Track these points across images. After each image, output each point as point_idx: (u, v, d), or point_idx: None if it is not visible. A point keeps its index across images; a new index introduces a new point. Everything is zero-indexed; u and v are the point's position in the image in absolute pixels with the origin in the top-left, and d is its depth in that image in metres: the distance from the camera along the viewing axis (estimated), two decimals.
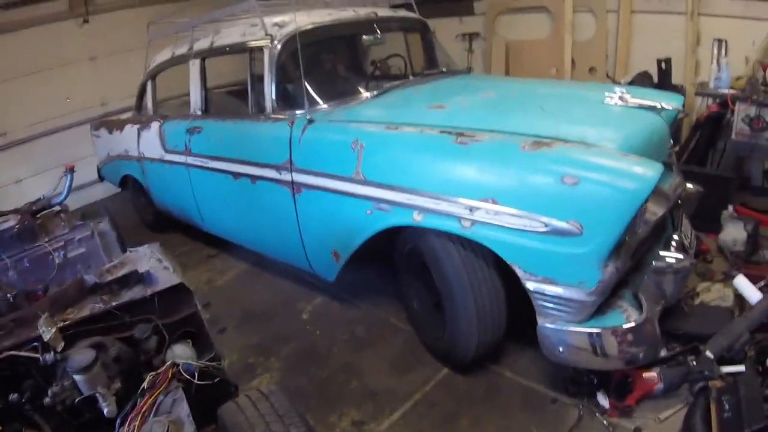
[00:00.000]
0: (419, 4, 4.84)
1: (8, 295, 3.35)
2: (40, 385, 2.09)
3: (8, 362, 2.07)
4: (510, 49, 6.89)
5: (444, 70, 4.57)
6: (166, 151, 4.85)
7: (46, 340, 2.01)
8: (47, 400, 2.01)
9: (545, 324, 2.58)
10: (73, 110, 7.45)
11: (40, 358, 2.01)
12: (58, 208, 4.24)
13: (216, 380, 2.17)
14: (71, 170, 4.24)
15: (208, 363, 2.13)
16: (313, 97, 3.63)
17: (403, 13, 4.72)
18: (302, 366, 3.45)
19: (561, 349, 2.58)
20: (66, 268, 3.58)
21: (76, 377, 1.93)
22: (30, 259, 3.56)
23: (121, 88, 7.33)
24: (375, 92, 3.86)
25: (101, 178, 6.68)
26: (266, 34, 3.77)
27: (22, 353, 2.04)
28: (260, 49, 3.80)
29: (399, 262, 3.40)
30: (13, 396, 2.04)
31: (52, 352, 2.00)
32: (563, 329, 2.54)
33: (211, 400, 2.15)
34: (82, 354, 1.94)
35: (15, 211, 4.20)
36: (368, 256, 3.39)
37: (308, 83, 3.64)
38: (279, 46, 3.71)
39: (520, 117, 3.05)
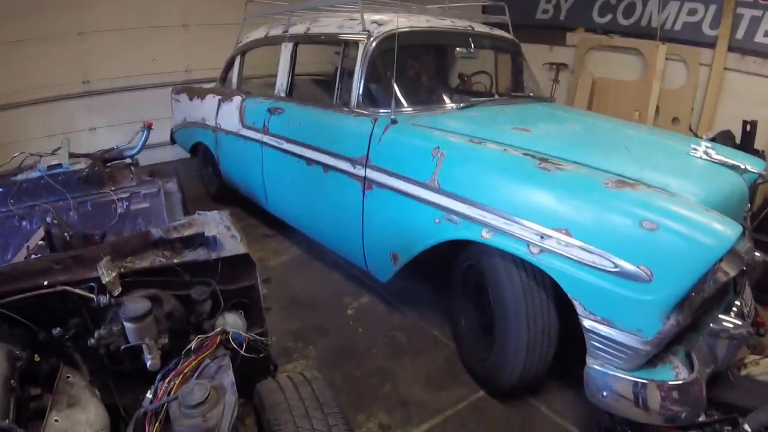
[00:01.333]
0: (514, 27, 4.81)
1: (66, 234, 3.43)
2: (86, 325, 2.12)
3: (60, 297, 2.10)
4: (596, 86, 6.79)
5: (530, 95, 4.52)
6: (244, 126, 4.92)
7: (104, 282, 2.03)
8: (92, 341, 2.02)
9: (593, 365, 2.50)
10: (158, 72, 7.68)
11: (95, 299, 2.02)
12: (128, 161, 4.34)
13: (261, 356, 2.15)
14: (149, 127, 4.33)
15: (258, 337, 2.12)
16: (399, 98, 3.63)
17: (498, 32, 4.68)
18: (338, 360, 3.43)
19: (604, 393, 2.49)
20: (126, 219, 3.65)
21: (127, 324, 1.94)
22: (93, 204, 3.65)
23: (206, 58, 7.54)
24: (460, 105, 3.85)
25: (173, 142, 6.83)
26: (363, 30, 3.79)
27: (77, 290, 2.06)
28: (355, 43, 3.83)
29: (455, 277, 3.36)
30: (57, 330, 2.06)
31: (107, 295, 2.02)
32: (610, 374, 2.45)
33: (250, 374, 2.14)
34: (137, 303, 1.95)
35: (87, 156, 4.31)
36: (423, 264, 3.36)
37: (397, 84, 3.65)
38: (374, 44, 3.73)
39: (605, 154, 2.97)
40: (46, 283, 2.09)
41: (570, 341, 2.68)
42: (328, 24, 4.32)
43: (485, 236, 2.79)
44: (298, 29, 4.57)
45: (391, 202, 3.33)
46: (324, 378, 2.12)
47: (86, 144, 5.46)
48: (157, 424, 1.77)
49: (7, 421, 1.64)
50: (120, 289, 2.03)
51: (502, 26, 4.78)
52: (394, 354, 3.52)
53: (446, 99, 3.90)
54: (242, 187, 5.40)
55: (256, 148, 4.70)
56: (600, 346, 2.46)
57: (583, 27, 6.98)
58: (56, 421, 1.84)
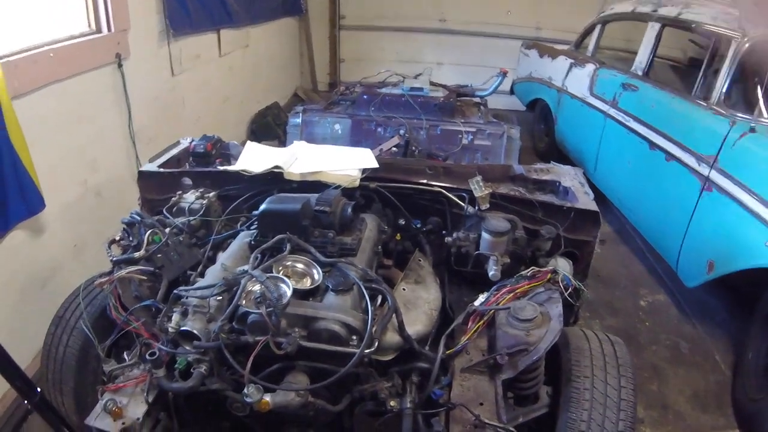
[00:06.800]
0: None
1: (414, 148, 3.91)
2: (444, 225, 2.53)
3: (431, 196, 2.50)
4: None
5: None
6: (592, 94, 5.02)
7: (476, 195, 2.37)
8: (449, 239, 2.39)
9: None
10: (510, 23, 8.09)
11: (465, 207, 2.37)
12: (478, 100, 4.73)
13: (576, 304, 2.34)
14: (504, 74, 4.66)
15: (582, 287, 2.31)
16: (762, 107, 3.47)
17: None
18: None
19: None
20: (467, 151, 4.03)
21: (486, 236, 2.25)
22: (443, 130, 4.08)
23: (557, 20, 7.78)
24: None
25: (511, 92, 7.10)
26: (739, 27, 3.65)
27: (452, 195, 2.43)
28: (728, 39, 3.69)
29: (760, 307, 3.19)
30: (418, 221, 2.52)
31: (475, 207, 2.35)
32: None
33: None
34: (499, 221, 2.26)
35: (444, 87, 4.76)
36: (731, 284, 3.27)
37: (764, 92, 3.49)
38: (748, 44, 3.57)
39: None
40: (424, 181, 2.48)
41: None
42: (701, 12, 4.15)
43: None
44: (669, 11, 4.47)
45: (728, 211, 3.23)
46: (626, 346, 2.24)
47: (435, 76, 5.98)
48: (481, 323, 2.08)
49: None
50: (488, 205, 2.35)
51: None
52: (672, 359, 3.51)
53: None
54: (572, 151, 5.52)
55: (599, 118, 4.77)
56: None
57: None
58: (404, 289, 2.24)
